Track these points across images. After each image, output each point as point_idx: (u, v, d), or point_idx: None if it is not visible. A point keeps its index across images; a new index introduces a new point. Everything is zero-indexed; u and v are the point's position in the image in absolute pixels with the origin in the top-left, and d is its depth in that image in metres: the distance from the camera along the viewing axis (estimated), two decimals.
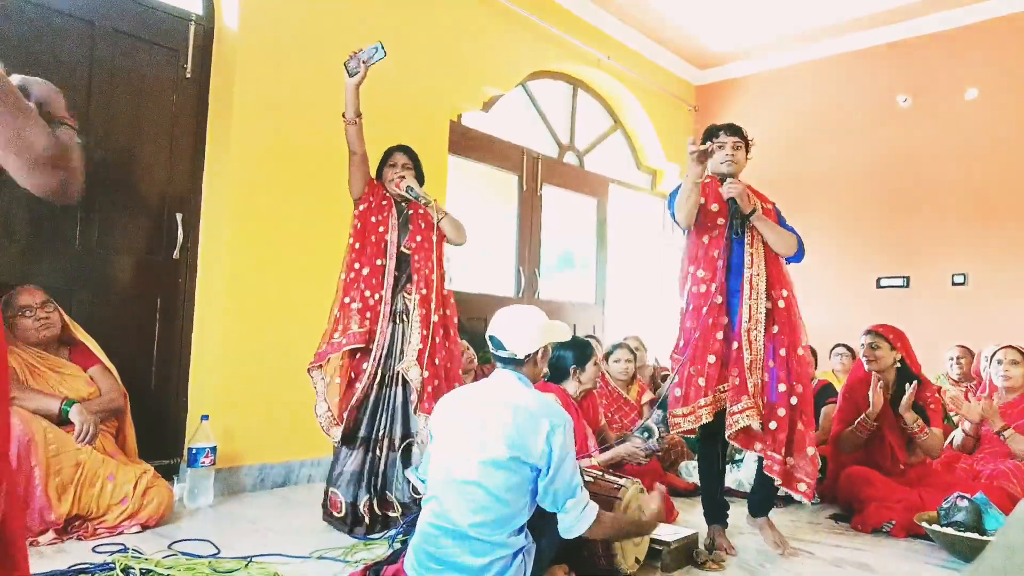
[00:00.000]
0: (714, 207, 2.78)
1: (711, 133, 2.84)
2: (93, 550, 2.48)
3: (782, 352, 2.69)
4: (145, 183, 3.53)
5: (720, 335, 2.70)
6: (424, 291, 2.97)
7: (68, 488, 2.61)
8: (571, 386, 3.16)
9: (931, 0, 5.47)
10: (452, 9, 4.73)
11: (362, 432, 2.91)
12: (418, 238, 3.05)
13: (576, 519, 1.99)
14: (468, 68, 4.85)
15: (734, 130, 2.87)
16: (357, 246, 3.02)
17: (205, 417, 3.25)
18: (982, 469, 3.40)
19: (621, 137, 6.74)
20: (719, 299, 2.71)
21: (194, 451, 3.16)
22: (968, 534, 2.74)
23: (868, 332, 3.51)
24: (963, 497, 2.87)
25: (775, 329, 2.70)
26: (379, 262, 2.99)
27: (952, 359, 4.78)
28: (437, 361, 2.95)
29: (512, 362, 2.14)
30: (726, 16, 5.89)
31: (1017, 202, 5.29)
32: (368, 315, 2.94)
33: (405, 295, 3.00)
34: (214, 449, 3.21)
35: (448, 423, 2.13)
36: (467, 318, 4.83)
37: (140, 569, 2.26)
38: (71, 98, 3.26)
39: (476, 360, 4.43)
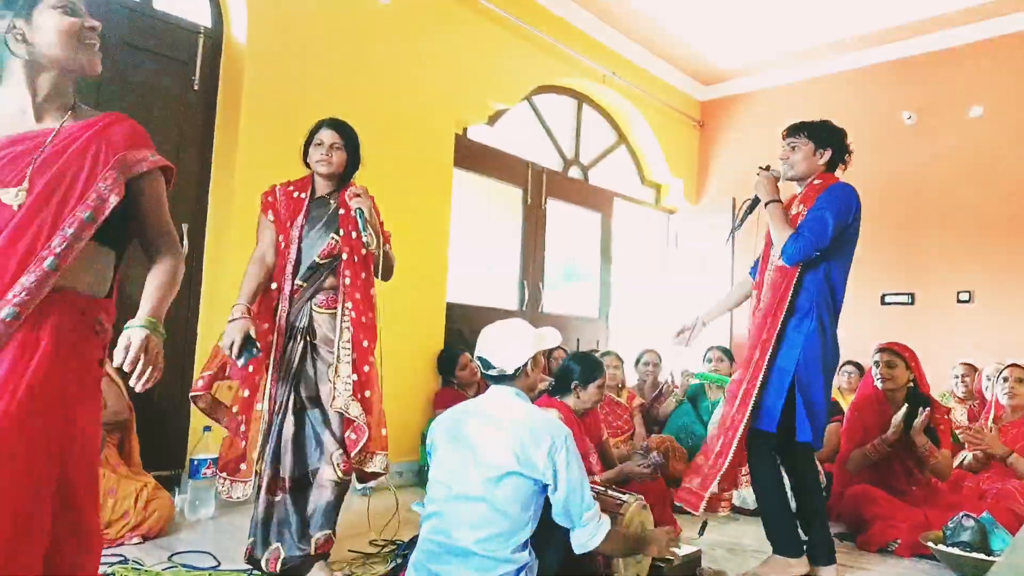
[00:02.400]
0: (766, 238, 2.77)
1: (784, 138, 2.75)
2: None
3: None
4: None
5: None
6: (354, 314, 2.49)
7: None
8: (573, 401, 3.15)
9: (936, 18, 5.49)
10: (458, 24, 4.76)
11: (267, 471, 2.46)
12: (348, 249, 2.51)
13: (592, 532, 1.98)
14: (473, 82, 4.88)
15: (789, 131, 2.72)
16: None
17: (207, 428, 3.24)
18: (988, 488, 3.37)
19: (626, 152, 6.76)
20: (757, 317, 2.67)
21: (196, 462, 3.16)
22: (974, 554, 2.71)
23: (884, 349, 3.44)
24: (969, 517, 2.85)
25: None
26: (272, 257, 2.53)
27: (957, 377, 4.75)
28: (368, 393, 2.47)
29: (503, 378, 2.13)
30: (731, 33, 5.92)
31: (1022, 219, 5.28)
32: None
33: (316, 308, 2.51)
34: (216, 460, 3.21)
35: (449, 439, 2.12)
36: (470, 331, 4.83)
37: None
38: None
39: (479, 374, 4.43)
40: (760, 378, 2.55)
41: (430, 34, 4.57)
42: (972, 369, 4.75)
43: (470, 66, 4.84)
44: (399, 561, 2.51)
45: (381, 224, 2.58)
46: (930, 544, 2.88)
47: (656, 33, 5.97)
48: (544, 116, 5.87)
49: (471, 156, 4.98)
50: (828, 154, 2.66)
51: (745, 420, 2.56)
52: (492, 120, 5.19)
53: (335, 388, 2.40)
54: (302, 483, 2.43)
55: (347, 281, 2.49)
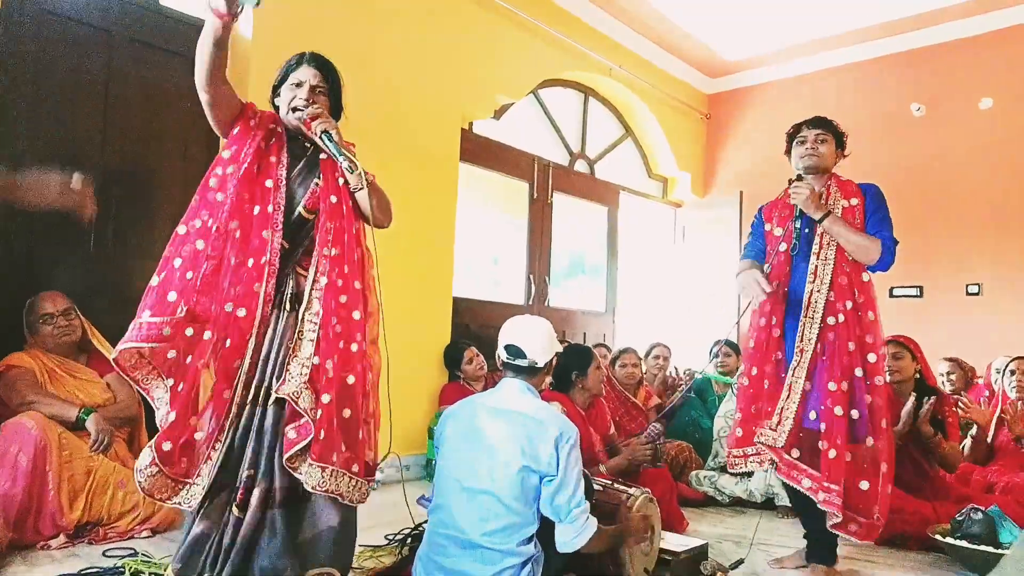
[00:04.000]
0: (777, 231, 2.64)
1: (795, 130, 2.69)
2: (104, 554, 2.49)
3: (831, 386, 2.44)
4: (159, 189, 3.56)
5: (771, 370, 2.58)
6: (328, 277, 1.98)
7: (79, 495, 2.63)
8: (577, 395, 3.15)
9: (945, 9, 5.44)
10: (463, 18, 4.75)
11: (219, 477, 1.88)
12: (332, 198, 2.03)
13: (578, 530, 1.98)
14: (479, 76, 4.87)
15: (818, 123, 2.65)
16: (213, 183, 2.03)
17: None
18: (996, 481, 3.36)
19: (632, 145, 6.74)
20: (777, 332, 2.57)
21: None
22: (982, 547, 2.70)
23: (890, 342, 3.41)
24: (977, 509, 2.84)
25: (823, 358, 2.48)
26: (255, 210, 1.98)
27: (942, 374, 4.69)
28: (326, 398, 1.89)
29: (527, 371, 2.15)
30: (738, 25, 5.89)
31: None
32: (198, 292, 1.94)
33: (299, 271, 2.05)
34: None
35: (459, 432, 2.12)
36: (477, 325, 4.84)
37: (149, 573, 2.27)
38: (87, 105, 3.32)
39: (486, 368, 4.43)
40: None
41: (436, 28, 4.57)
42: (957, 365, 4.72)
43: (476, 60, 4.83)
44: (406, 552, 2.51)
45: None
46: (938, 537, 2.87)
47: (662, 26, 5.94)
48: (550, 110, 5.86)
49: (477, 150, 4.98)
50: (841, 155, 2.69)
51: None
52: (498, 114, 5.18)
53: (288, 370, 1.90)
54: (293, 495, 1.93)
55: (330, 236, 2.00)
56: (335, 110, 2.16)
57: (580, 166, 6.11)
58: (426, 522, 2.19)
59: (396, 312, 3.97)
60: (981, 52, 5.55)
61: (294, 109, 2.06)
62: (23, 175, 3.13)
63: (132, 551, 2.52)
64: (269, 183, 2.00)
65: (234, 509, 1.87)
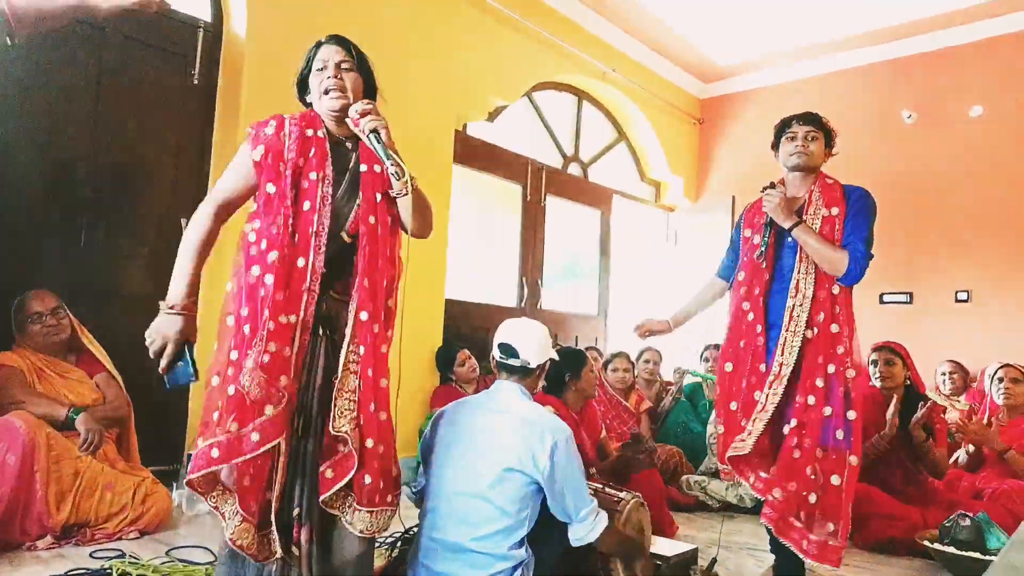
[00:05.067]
0: (756, 238, 2.52)
1: (784, 124, 2.57)
2: (91, 555, 2.47)
3: (798, 399, 2.34)
4: (151, 188, 3.54)
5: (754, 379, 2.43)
6: (368, 309, 1.85)
7: (67, 496, 2.60)
8: (570, 397, 3.16)
9: (936, 17, 5.49)
10: (458, 20, 4.75)
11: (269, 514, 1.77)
12: (371, 219, 1.87)
13: (590, 526, 2.00)
14: (473, 78, 4.87)
15: (808, 119, 2.53)
16: (257, 228, 1.82)
17: None
18: (984, 488, 3.38)
19: (625, 149, 6.75)
20: (761, 340, 2.43)
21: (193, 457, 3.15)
22: (970, 553, 2.72)
23: (882, 348, 3.43)
24: (965, 516, 2.85)
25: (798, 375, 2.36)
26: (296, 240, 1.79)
27: (944, 374, 4.77)
28: (370, 443, 1.80)
29: (520, 371, 2.14)
30: (731, 30, 5.91)
31: (1021, 219, 5.28)
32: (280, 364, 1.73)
33: (333, 295, 1.90)
34: None
35: (450, 435, 2.12)
36: (469, 327, 4.83)
37: (137, 575, 2.25)
38: (78, 103, 3.30)
39: (479, 370, 4.43)
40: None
41: (431, 30, 4.56)
42: (959, 367, 4.79)
43: (470, 62, 4.83)
44: (395, 555, 2.51)
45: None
46: (926, 543, 2.89)
47: (656, 30, 5.96)
48: (544, 113, 5.87)
49: (471, 152, 4.98)
50: (829, 154, 2.58)
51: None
52: (492, 116, 5.18)
53: (336, 404, 1.78)
54: (326, 530, 1.86)
55: (364, 262, 1.85)
56: (369, 88, 1.97)
57: (573, 169, 6.11)
58: (416, 526, 2.19)
59: None
60: (971, 60, 5.60)
61: (325, 92, 1.87)
62: (13, 172, 3.10)
63: (120, 552, 2.51)
64: (307, 205, 1.80)
65: (292, 548, 1.79)
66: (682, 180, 6.87)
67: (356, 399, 1.80)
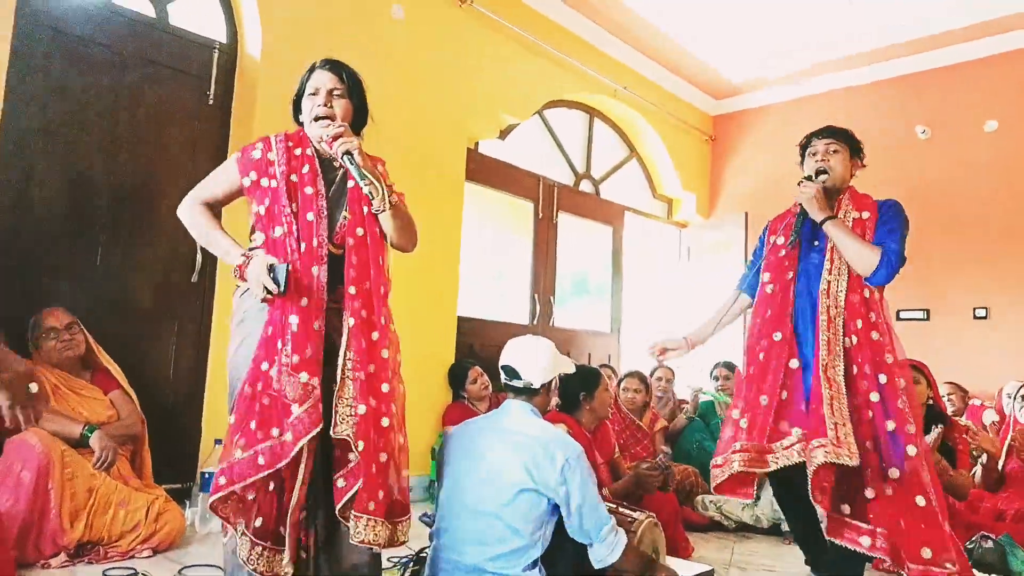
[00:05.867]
0: (779, 240, 2.51)
1: (806, 141, 2.57)
2: (104, 574, 2.47)
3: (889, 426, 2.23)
4: (166, 207, 3.57)
5: (782, 375, 2.33)
6: (356, 316, 1.88)
7: (80, 514, 2.60)
8: (584, 416, 3.13)
9: (949, 32, 5.47)
10: (470, 38, 4.79)
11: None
12: (359, 231, 1.93)
13: (612, 546, 1.97)
14: (485, 96, 4.90)
15: (829, 132, 2.53)
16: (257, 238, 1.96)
17: (219, 442, 3.24)
18: (1007, 509, 3.32)
19: (637, 166, 6.76)
20: (778, 335, 2.37)
21: (207, 475, 3.16)
22: (992, 575, 2.67)
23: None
24: (987, 537, 2.80)
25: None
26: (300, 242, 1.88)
27: (944, 396, 4.69)
28: (360, 445, 1.81)
29: (525, 392, 2.14)
30: (743, 47, 5.92)
31: None
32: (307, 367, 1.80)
33: (331, 305, 1.92)
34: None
35: (462, 454, 2.11)
36: (480, 345, 4.83)
37: None
38: (96, 122, 3.35)
39: (491, 388, 4.41)
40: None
41: (442, 49, 4.60)
42: (958, 388, 4.75)
43: (482, 80, 4.87)
44: (408, 575, 2.49)
45: (391, 187, 1.98)
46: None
47: (668, 47, 5.98)
48: (555, 130, 5.89)
49: (483, 170, 5.00)
50: (858, 166, 2.56)
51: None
52: (504, 134, 5.20)
53: (337, 411, 1.82)
54: (333, 538, 1.93)
55: (353, 273, 1.90)
56: (360, 113, 2.05)
57: (585, 186, 6.12)
58: (429, 546, 2.17)
59: (401, 331, 3.95)
60: (986, 75, 5.57)
61: (315, 119, 1.95)
62: (32, 190, 3.15)
63: (133, 571, 2.50)
64: (311, 216, 1.90)
65: (300, 552, 1.84)
66: (694, 196, 6.86)
67: (354, 405, 1.82)
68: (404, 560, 2.65)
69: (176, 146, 3.59)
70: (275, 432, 1.77)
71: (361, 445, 1.79)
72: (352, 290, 1.89)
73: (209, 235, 1.99)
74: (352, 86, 2.02)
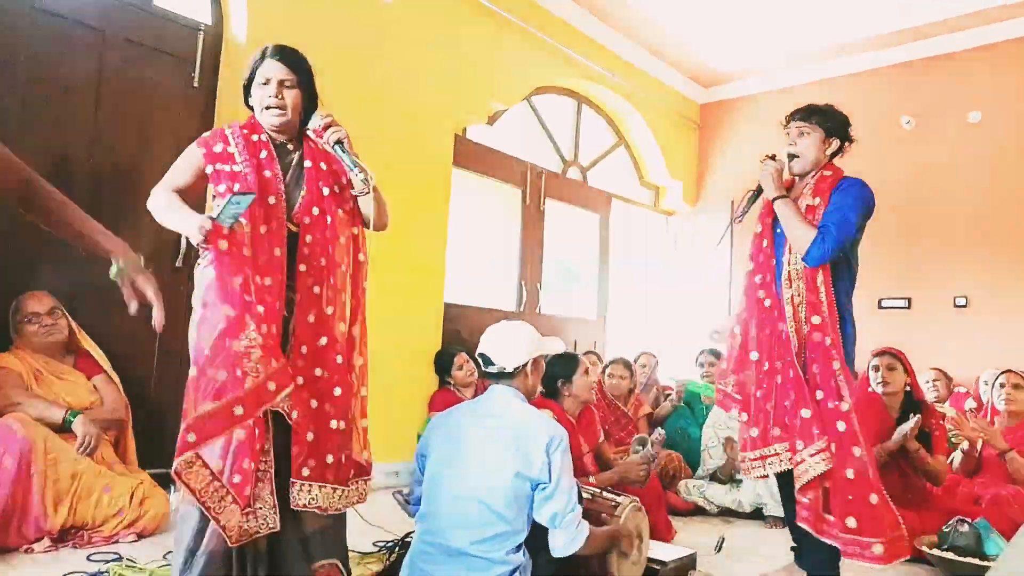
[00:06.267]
0: (757, 228, 2.54)
1: (785, 124, 2.55)
2: (88, 558, 2.47)
3: (804, 413, 2.30)
4: (150, 190, 3.54)
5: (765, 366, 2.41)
6: (306, 295, 1.94)
7: (64, 499, 2.60)
8: (566, 402, 3.15)
9: (935, 23, 5.50)
10: (459, 24, 4.76)
11: None
12: (314, 210, 1.98)
13: (572, 536, 1.98)
14: (473, 82, 4.88)
15: (801, 115, 2.49)
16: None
17: None
18: (983, 494, 3.37)
19: (624, 153, 6.76)
20: (767, 330, 2.42)
21: None
22: (968, 559, 2.72)
23: (883, 353, 3.41)
24: (964, 521, 2.85)
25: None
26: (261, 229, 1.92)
27: (928, 382, 4.77)
28: (295, 415, 1.89)
29: (502, 376, 2.14)
30: (730, 35, 5.93)
31: (1019, 225, 5.29)
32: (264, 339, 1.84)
33: (290, 293, 1.96)
34: None
35: (446, 439, 2.12)
36: (467, 331, 4.83)
37: None
38: (79, 105, 3.31)
39: (476, 374, 4.42)
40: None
41: (431, 34, 4.57)
42: (943, 374, 4.82)
43: (470, 66, 4.84)
44: (392, 559, 2.50)
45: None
46: (925, 548, 2.88)
47: (656, 35, 5.97)
48: (543, 117, 5.87)
49: (470, 156, 4.98)
50: (835, 144, 2.52)
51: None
52: (491, 120, 5.19)
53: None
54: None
55: (307, 251, 1.96)
56: (309, 101, 2.08)
57: (573, 173, 6.12)
58: (414, 531, 2.18)
59: (387, 317, 3.97)
60: (970, 66, 5.61)
61: (267, 108, 2.00)
62: None
63: (117, 555, 2.50)
64: (272, 199, 1.95)
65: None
66: (681, 184, 6.88)
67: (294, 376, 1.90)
68: (389, 544, 2.67)
69: (160, 129, 3.55)
70: (248, 383, 1.79)
71: (295, 414, 1.88)
72: (303, 267, 1.94)
73: (171, 204, 1.99)
74: (301, 75, 2.04)
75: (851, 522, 2.24)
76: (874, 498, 2.25)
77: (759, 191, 2.52)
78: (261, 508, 1.86)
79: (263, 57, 2.02)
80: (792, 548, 2.70)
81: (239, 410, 1.80)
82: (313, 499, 1.91)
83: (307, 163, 2.03)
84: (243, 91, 2.09)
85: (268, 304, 1.88)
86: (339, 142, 1.95)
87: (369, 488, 2.08)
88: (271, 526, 1.86)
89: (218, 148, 2.00)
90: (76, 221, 1.51)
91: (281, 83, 2.00)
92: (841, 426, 2.28)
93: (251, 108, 2.08)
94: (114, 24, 3.38)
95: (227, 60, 3.74)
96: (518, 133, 5.64)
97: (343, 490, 1.97)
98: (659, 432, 3.22)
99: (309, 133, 2.07)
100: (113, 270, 1.51)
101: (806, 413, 2.31)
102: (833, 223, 2.32)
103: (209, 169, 1.99)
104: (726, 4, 5.39)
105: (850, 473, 2.26)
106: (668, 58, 6.42)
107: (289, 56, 2.03)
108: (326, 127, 1.97)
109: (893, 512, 2.29)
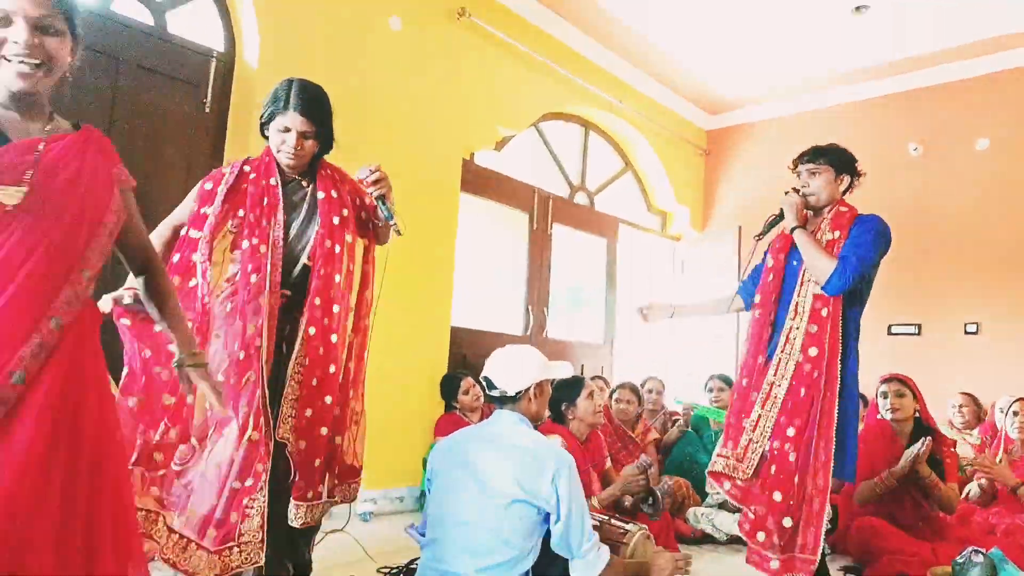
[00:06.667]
0: (769, 262, 2.63)
1: (794, 167, 2.64)
2: None
3: (789, 431, 2.39)
4: (160, 215, 3.56)
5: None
6: (318, 326, 2.03)
7: None
8: (573, 426, 3.13)
9: (943, 51, 5.53)
10: (467, 51, 4.82)
11: None
12: (327, 243, 2.07)
13: (592, 563, 1.95)
14: (482, 108, 4.92)
15: (809, 157, 2.60)
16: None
17: None
18: (997, 523, 3.32)
19: (632, 179, 6.79)
20: (761, 359, 2.51)
21: None
22: None
23: (891, 379, 3.39)
24: (978, 552, 2.80)
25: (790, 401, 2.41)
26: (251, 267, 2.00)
27: (955, 407, 4.71)
28: (303, 444, 2.01)
29: (505, 400, 2.13)
30: (738, 62, 5.97)
31: None
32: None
33: (296, 315, 2.07)
34: None
35: (451, 465, 2.10)
36: (474, 355, 4.82)
37: None
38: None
39: (483, 399, 4.40)
40: (835, 424, 2.37)
41: (439, 60, 4.63)
42: (971, 399, 4.71)
43: (478, 93, 4.89)
44: None
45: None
46: None
47: (663, 62, 6.03)
48: (551, 142, 5.91)
49: (478, 181, 5.01)
50: (846, 181, 2.59)
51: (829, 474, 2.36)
52: (499, 146, 5.22)
53: (281, 411, 1.99)
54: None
55: (320, 283, 2.05)
56: (326, 145, 2.15)
57: (580, 198, 6.14)
58: (419, 558, 2.16)
59: (394, 341, 3.95)
60: (978, 94, 5.63)
61: (284, 153, 2.07)
62: None
63: None
64: (264, 248, 2.02)
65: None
66: (688, 210, 6.89)
67: (296, 407, 2.00)
68: (394, 571, 2.64)
69: (172, 154, 3.59)
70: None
71: (292, 446, 1.98)
72: (317, 301, 2.04)
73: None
74: (321, 125, 2.09)
75: (760, 536, 2.37)
76: (787, 521, 2.33)
77: (781, 215, 2.58)
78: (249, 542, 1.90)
79: (286, 105, 2.04)
80: None
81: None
82: (302, 517, 2.02)
83: (320, 194, 2.11)
84: (260, 125, 2.14)
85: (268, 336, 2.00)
86: (382, 197, 2.07)
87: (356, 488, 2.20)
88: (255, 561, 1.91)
89: (208, 185, 2.13)
90: (172, 302, 1.64)
91: (302, 135, 2.05)
92: (788, 448, 2.38)
93: (266, 137, 2.15)
94: (127, 50, 3.43)
95: (238, 86, 3.79)
96: (526, 158, 5.67)
97: (326, 503, 2.11)
98: (644, 459, 3.21)
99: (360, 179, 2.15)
100: (174, 361, 1.65)
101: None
102: (854, 254, 2.38)
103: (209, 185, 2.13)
104: (732, 32, 5.45)
105: (778, 496, 2.36)
106: (674, 85, 6.47)
107: (311, 108, 2.06)
108: (373, 183, 2.08)
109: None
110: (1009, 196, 5.40)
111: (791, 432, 2.38)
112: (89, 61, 3.38)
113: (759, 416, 2.45)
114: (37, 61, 1.34)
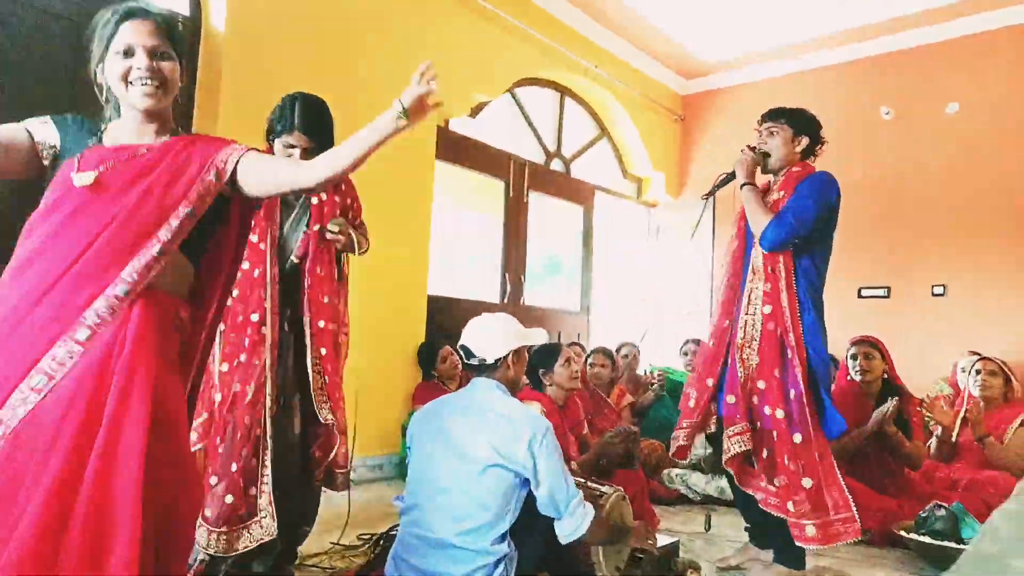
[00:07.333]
0: (733, 230, 2.69)
1: (759, 126, 2.67)
2: None
3: (760, 384, 2.45)
4: None
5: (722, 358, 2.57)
6: (327, 320, 2.28)
7: None
8: (550, 392, 3.16)
9: (914, 15, 5.55)
10: (440, 14, 4.74)
11: None
12: (319, 243, 2.30)
13: (579, 521, 1.99)
14: (456, 74, 4.86)
15: (769, 115, 2.64)
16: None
17: None
18: (959, 479, 3.44)
19: (607, 145, 6.77)
20: (726, 322, 2.58)
21: None
22: (945, 543, 2.77)
23: (860, 342, 3.46)
24: (941, 506, 2.90)
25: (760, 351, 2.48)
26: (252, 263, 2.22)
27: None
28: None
29: (482, 368, 2.14)
30: (712, 27, 5.95)
31: (995, 214, 5.37)
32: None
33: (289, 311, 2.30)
34: None
35: (429, 432, 2.12)
36: (452, 324, 4.83)
37: None
38: (56, 95, 3.26)
39: (461, 367, 4.43)
40: (806, 376, 2.39)
41: (412, 24, 4.55)
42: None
43: (452, 58, 4.82)
44: (377, 552, 2.51)
45: (361, 223, 2.46)
46: (903, 533, 2.93)
47: (638, 26, 5.98)
48: (526, 109, 5.86)
49: (453, 148, 4.97)
50: (804, 142, 2.62)
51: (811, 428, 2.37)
52: (474, 112, 5.17)
53: (315, 400, 2.28)
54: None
55: (318, 278, 2.26)
56: (328, 143, 2.23)
57: (556, 165, 6.12)
58: (399, 524, 2.19)
59: (371, 311, 3.95)
60: (947, 59, 5.67)
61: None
62: None
63: None
64: (263, 245, 2.21)
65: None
66: (664, 176, 6.90)
67: (326, 392, 2.25)
68: (373, 537, 2.68)
69: None
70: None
71: (340, 424, 2.33)
72: (317, 296, 2.26)
73: None
74: (322, 139, 2.24)
75: (790, 506, 2.36)
76: (807, 482, 2.35)
77: (732, 175, 2.66)
78: (265, 518, 2.11)
79: (292, 126, 2.20)
80: (746, 528, 2.79)
81: None
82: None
83: (314, 199, 2.26)
84: (266, 130, 2.28)
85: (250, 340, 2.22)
86: (328, 230, 2.26)
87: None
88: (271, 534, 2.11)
89: None
90: (334, 151, 1.75)
91: (305, 151, 2.20)
92: (779, 413, 2.41)
93: (270, 144, 2.28)
94: (90, 15, 3.32)
95: (206, 52, 3.69)
96: (501, 125, 5.63)
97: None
98: (628, 428, 3.27)
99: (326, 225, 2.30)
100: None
101: (731, 399, 2.51)
102: (790, 211, 2.44)
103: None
104: None
105: (787, 459, 2.38)
106: (650, 50, 6.43)
107: (315, 127, 2.23)
108: (334, 239, 2.26)
109: (843, 494, 2.37)
110: (976, 160, 5.48)
111: (771, 393, 2.42)
112: (50, 25, 3.30)
113: (743, 377, 2.50)
114: (157, 83, 1.62)
